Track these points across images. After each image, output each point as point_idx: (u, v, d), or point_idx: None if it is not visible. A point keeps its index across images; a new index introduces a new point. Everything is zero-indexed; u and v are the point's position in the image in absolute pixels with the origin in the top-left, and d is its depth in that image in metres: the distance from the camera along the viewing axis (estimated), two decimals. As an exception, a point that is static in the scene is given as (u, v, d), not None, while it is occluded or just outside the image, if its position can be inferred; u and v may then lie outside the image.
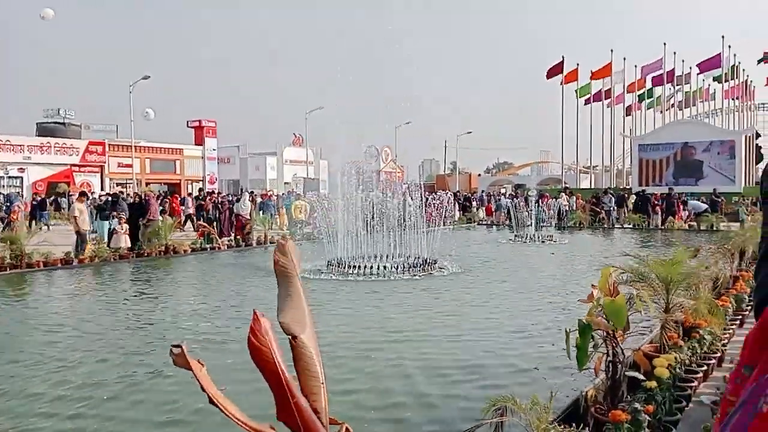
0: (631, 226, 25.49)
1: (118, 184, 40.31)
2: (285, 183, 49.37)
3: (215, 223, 20.79)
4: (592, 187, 50.28)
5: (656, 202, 26.25)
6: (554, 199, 29.52)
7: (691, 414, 4.28)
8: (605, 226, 26.33)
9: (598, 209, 27.29)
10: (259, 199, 27.55)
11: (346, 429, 2.28)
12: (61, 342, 7.00)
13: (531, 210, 23.29)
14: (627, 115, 48.14)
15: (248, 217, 20.01)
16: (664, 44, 43.63)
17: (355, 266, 12.56)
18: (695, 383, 4.76)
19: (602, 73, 45.47)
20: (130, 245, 15.68)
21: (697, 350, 5.20)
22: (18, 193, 33.34)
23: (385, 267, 12.59)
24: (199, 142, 49.27)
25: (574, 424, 3.50)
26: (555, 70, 46.32)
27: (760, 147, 48.72)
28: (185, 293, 10.89)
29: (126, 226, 15.99)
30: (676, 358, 4.65)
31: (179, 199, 29.32)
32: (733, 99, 46.46)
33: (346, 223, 14.57)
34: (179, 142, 48.88)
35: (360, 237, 14.27)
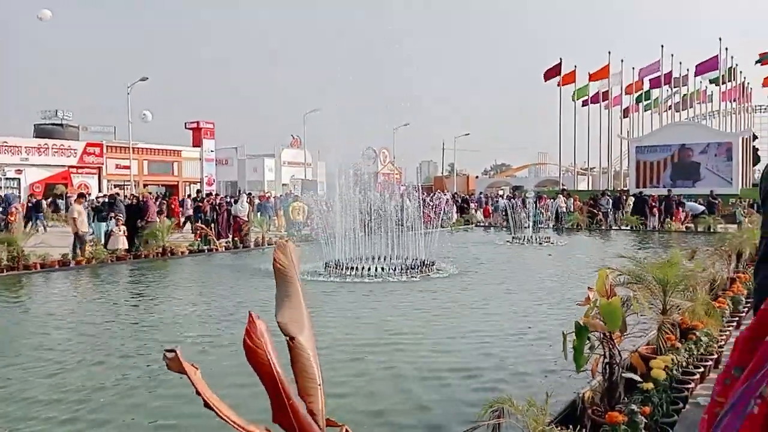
0: (628, 227, 25.53)
1: (115, 186, 40.22)
2: (283, 185, 49.36)
3: (213, 224, 20.78)
4: (590, 188, 50.36)
5: (653, 204, 26.30)
6: (552, 200, 29.58)
7: (688, 416, 4.28)
8: (603, 227, 26.37)
9: (595, 211, 27.33)
10: (257, 201, 27.54)
11: (346, 430, 2.28)
12: (57, 344, 6.98)
13: (528, 212, 23.32)
14: (624, 117, 48.23)
15: (246, 218, 20.00)
16: (662, 46, 43.78)
17: (352, 268, 12.56)
18: (692, 385, 4.77)
19: (600, 74, 45.58)
20: (127, 247, 15.66)
21: (694, 352, 5.21)
22: (16, 195, 33.25)
23: (382, 269, 12.59)
24: (197, 143, 49.22)
25: (571, 426, 3.50)
26: (552, 72, 46.41)
27: (757, 149, 48.92)
28: (182, 295, 10.87)
29: (123, 228, 15.97)
30: (673, 359, 4.66)
31: (179, 200, 29.29)
32: (730, 101, 46.56)
33: (343, 224, 14.57)
34: (177, 144, 48.84)
35: (357, 239, 14.27)
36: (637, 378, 4.24)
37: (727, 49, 42.53)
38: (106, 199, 21.22)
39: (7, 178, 36.89)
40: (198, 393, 1.69)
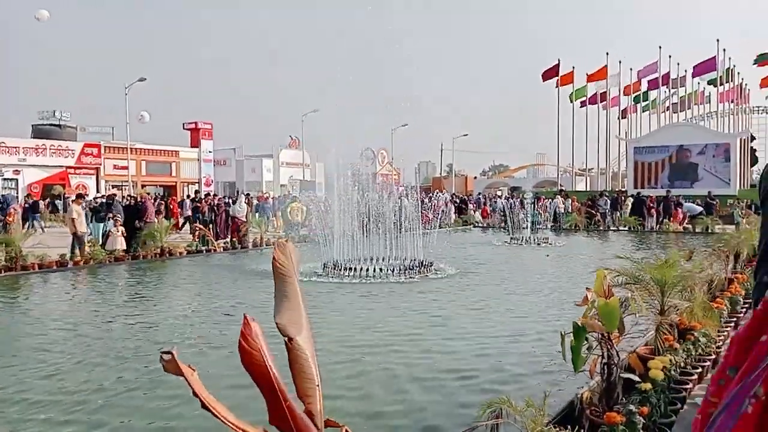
0: (626, 228, 25.56)
1: (113, 186, 40.17)
2: (281, 185, 49.35)
3: (211, 225, 20.76)
4: (588, 189, 50.42)
5: (651, 205, 26.34)
6: (550, 200, 29.61)
7: (686, 416, 4.29)
8: (601, 228, 26.40)
9: (593, 211, 27.36)
10: (255, 202, 27.53)
11: (346, 431, 2.27)
12: (55, 345, 6.97)
13: (527, 212, 23.35)
14: (622, 118, 48.34)
15: (244, 219, 19.99)
16: (660, 47, 43.84)
17: (350, 268, 12.55)
18: (690, 385, 4.77)
19: (598, 75, 45.67)
20: (125, 247, 15.64)
21: (692, 352, 5.21)
22: (14, 195, 33.19)
23: (381, 269, 12.59)
24: (195, 144, 49.18)
25: (569, 427, 3.50)
26: (551, 73, 46.49)
27: (755, 150, 49.04)
28: (181, 296, 10.86)
29: (122, 228, 15.96)
30: (671, 360, 4.66)
31: (178, 201, 29.24)
32: (728, 102, 46.65)
33: (342, 225, 14.57)
34: (175, 144, 48.80)
35: (356, 239, 14.27)
36: (636, 378, 4.24)
37: (725, 50, 42.66)
38: (104, 200, 21.19)
39: (4, 179, 36.84)
40: (195, 394, 1.69)
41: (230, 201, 24.77)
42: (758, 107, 58.83)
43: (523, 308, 8.97)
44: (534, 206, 25.40)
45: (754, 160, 47.24)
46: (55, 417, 4.69)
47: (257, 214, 24.31)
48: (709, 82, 45.39)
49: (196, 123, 49.85)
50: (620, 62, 45.41)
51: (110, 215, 16.84)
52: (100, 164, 42.60)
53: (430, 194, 23.49)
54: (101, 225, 18.11)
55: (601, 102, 46.44)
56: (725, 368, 1.09)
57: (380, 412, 4.80)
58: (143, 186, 41.04)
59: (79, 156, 41.41)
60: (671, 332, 5.30)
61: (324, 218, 15.12)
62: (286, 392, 1.87)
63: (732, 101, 47.22)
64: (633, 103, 47.70)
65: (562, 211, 28.38)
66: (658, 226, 25.37)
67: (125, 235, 15.97)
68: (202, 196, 27.87)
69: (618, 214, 27.65)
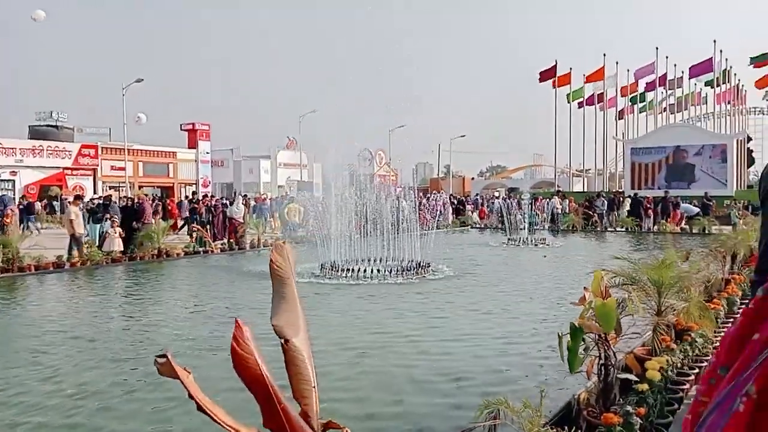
0: (623, 229, 25.59)
1: (110, 187, 40.10)
2: (279, 186, 49.29)
3: (208, 226, 20.73)
4: (585, 190, 50.45)
5: (648, 206, 26.38)
6: (547, 201, 29.64)
7: (683, 417, 4.29)
8: (598, 229, 26.43)
9: (590, 212, 27.39)
10: (253, 203, 27.50)
11: (346, 432, 2.27)
12: (52, 347, 6.95)
13: (524, 213, 23.37)
14: (620, 119, 48.38)
15: (241, 220, 19.97)
16: (657, 48, 43.92)
17: (348, 269, 12.54)
18: (687, 386, 4.77)
19: (595, 76, 45.70)
20: (122, 248, 15.61)
21: (689, 353, 5.22)
22: (11, 196, 33.11)
23: (378, 270, 12.58)
24: (193, 145, 49.08)
25: (566, 427, 3.50)
26: (548, 74, 46.52)
27: (752, 151, 49.09)
28: (178, 297, 10.83)
29: (119, 229, 15.93)
30: (668, 360, 4.67)
31: (176, 202, 29.19)
32: (724, 103, 46.73)
33: (339, 226, 14.56)
34: (172, 146, 48.71)
35: (353, 240, 14.26)
36: (633, 379, 4.25)
37: (721, 51, 42.72)
38: (101, 201, 21.14)
39: (1, 180, 36.74)
40: (191, 396, 1.69)
41: (228, 202, 24.72)
42: (755, 108, 58.97)
43: (520, 309, 8.98)
44: (531, 207, 25.44)
45: (751, 161, 47.31)
46: (53, 420, 4.68)
47: (254, 215, 24.28)
48: (706, 84, 45.46)
49: (193, 124, 49.76)
50: (617, 63, 45.51)
51: (107, 216, 16.82)
52: (97, 165, 42.51)
53: (428, 195, 23.52)
54: (98, 226, 18.07)
55: (598, 103, 46.47)
56: (716, 367, 1.09)
57: (377, 414, 4.80)
58: (140, 187, 40.94)
59: (76, 157, 41.31)
60: (668, 333, 5.31)
61: (321, 219, 15.11)
62: (280, 395, 1.87)
63: (729, 102, 47.30)
64: (630, 104, 47.76)
65: (560, 211, 28.43)
66: (655, 226, 25.41)
67: (122, 236, 15.94)
68: (200, 197, 27.83)
69: (615, 214, 27.71)
